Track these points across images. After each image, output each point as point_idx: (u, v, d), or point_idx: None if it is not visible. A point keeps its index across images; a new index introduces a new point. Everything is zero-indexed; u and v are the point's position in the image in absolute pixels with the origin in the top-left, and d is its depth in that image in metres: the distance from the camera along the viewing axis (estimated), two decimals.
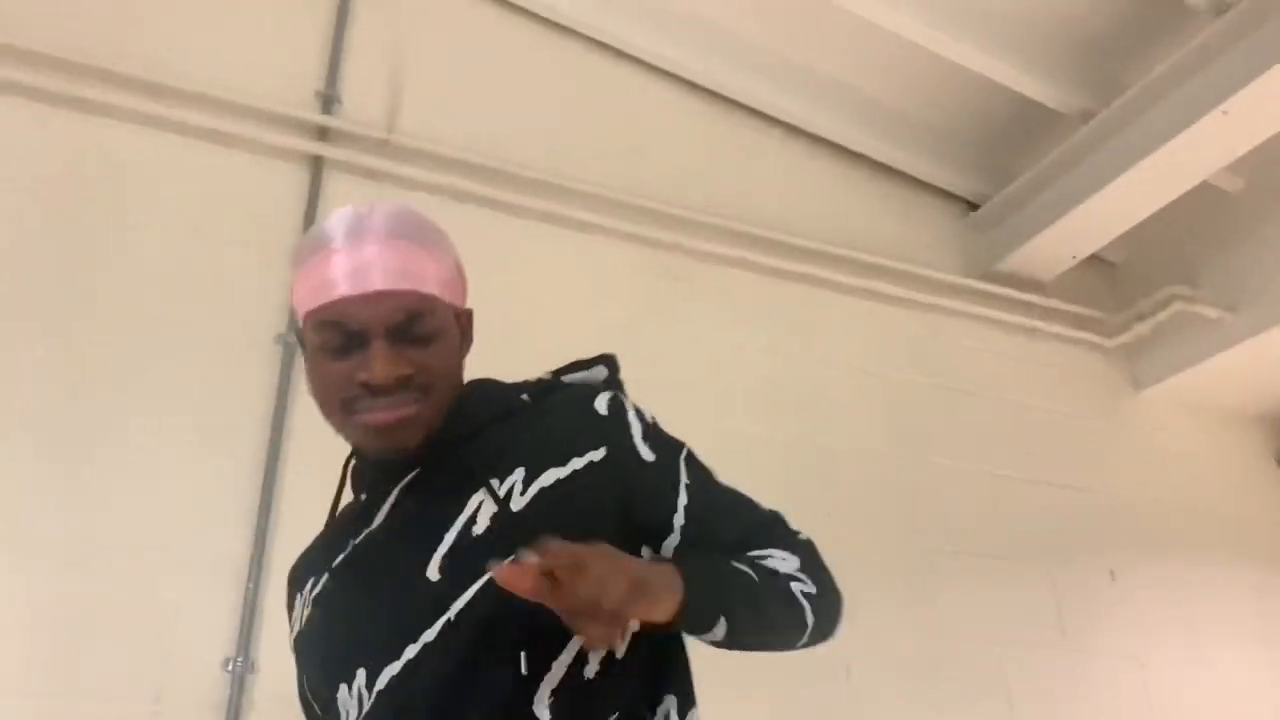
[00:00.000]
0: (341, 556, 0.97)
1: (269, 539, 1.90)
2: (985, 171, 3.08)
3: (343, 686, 0.91)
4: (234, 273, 2.09)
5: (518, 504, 0.90)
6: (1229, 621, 2.91)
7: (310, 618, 0.97)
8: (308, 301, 0.93)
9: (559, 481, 0.92)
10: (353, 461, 1.02)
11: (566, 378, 1.06)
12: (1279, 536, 3.11)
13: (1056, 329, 3.01)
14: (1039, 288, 3.05)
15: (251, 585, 1.85)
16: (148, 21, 2.21)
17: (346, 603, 0.95)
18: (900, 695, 2.34)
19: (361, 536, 0.97)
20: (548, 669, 0.86)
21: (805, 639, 0.95)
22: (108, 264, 2.00)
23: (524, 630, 0.85)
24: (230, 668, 1.80)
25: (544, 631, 0.82)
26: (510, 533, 0.86)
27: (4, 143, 2.01)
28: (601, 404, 0.98)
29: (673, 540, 0.94)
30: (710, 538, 0.95)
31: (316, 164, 2.23)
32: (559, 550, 0.74)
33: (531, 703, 0.85)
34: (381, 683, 0.88)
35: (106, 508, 1.83)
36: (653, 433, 0.99)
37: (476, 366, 1.05)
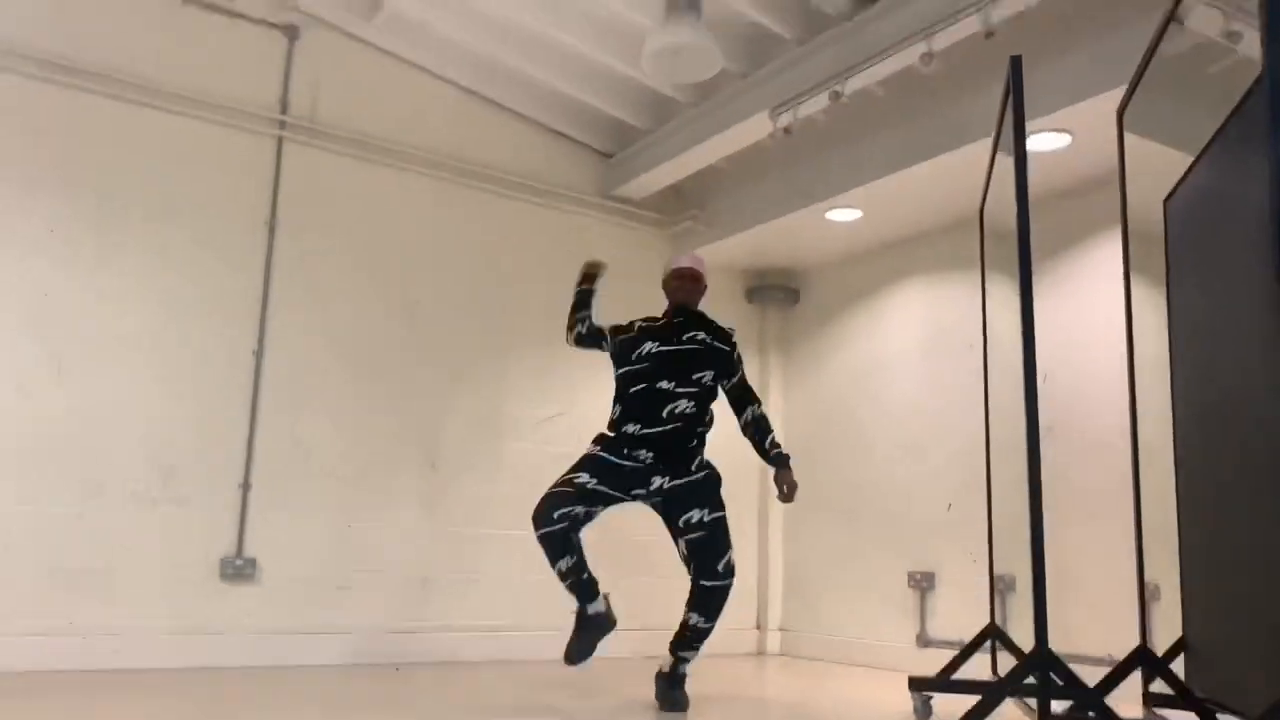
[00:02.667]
0: (658, 347, 3.78)
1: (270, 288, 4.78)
2: (617, 138, 5.99)
3: (663, 382, 3.72)
4: (236, 166, 4.83)
5: (708, 339, 3.82)
6: None
7: (646, 354, 3.77)
8: (673, 265, 3.98)
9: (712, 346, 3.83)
10: (669, 315, 3.89)
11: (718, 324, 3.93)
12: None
13: (641, 226, 6.08)
14: (636, 203, 6.07)
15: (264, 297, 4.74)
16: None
17: (660, 363, 3.76)
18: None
19: (665, 346, 3.79)
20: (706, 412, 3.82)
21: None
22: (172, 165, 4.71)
23: (703, 401, 3.79)
24: (254, 351, 4.72)
25: (705, 402, 3.81)
26: (708, 347, 3.83)
27: (74, 128, 4.62)
28: (726, 334, 3.90)
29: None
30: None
31: (280, 142, 4.94)
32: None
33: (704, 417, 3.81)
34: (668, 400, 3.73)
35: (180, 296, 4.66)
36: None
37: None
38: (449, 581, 5.17)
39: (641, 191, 5.99)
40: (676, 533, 3.73)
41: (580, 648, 3.65)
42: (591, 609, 3.63)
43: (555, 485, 3.63)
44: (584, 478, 3.64)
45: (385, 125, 5.28)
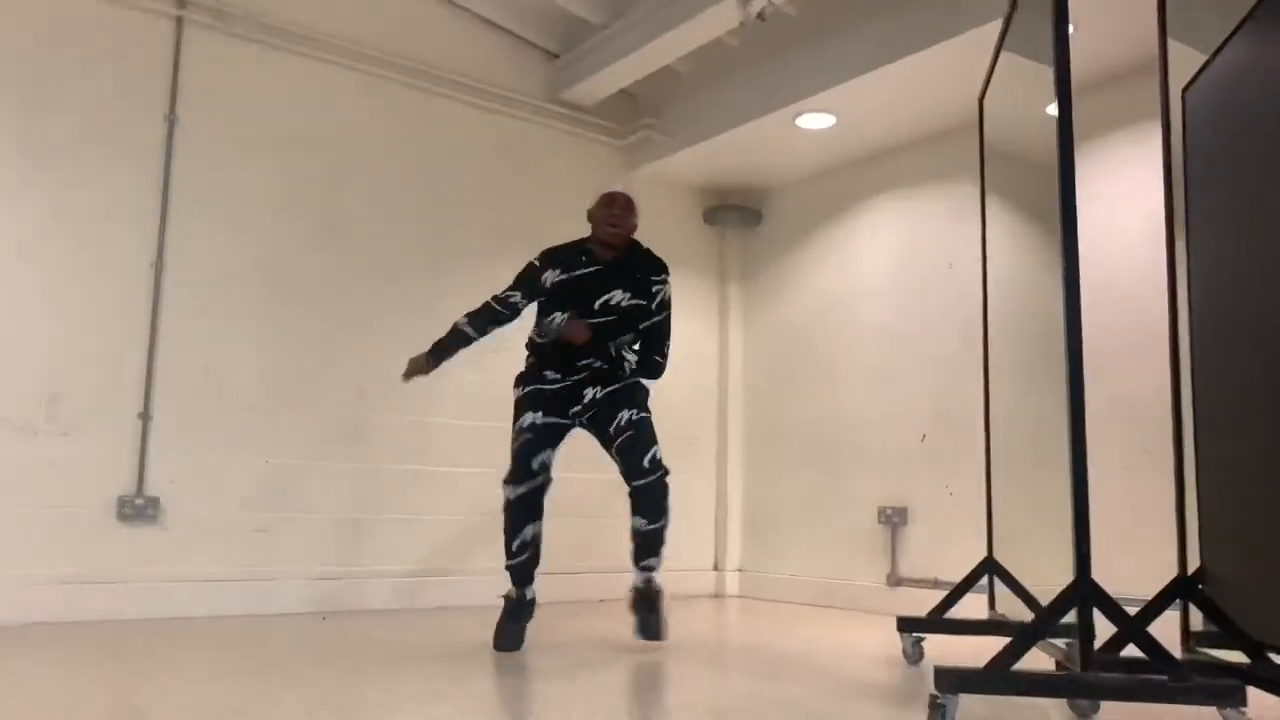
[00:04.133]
0: (575, 274, 3.63)
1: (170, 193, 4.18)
2: (565, 37, 5.42)
3: (565, 314, 3.56)
4: (136, 65, 4.19)
5: (625, 301, 3.61)
6: None
7: (561, 284, 3.62)
8: (604, 192, 3.74)
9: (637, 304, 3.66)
10: (590, 248, 3.68)
11: (649, 260, 3.75)
12: (697, 254, 5.98)
13: (591, 134, 5.54)
14: (586, 109, 5.53)
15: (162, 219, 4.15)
16: None
17: (578, 289, 3.60)
18: None
19: (582, 274, 3.62)
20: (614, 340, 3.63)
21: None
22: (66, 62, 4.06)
23: (614, 333, 3.60)
24: (152, 263, 4.13)
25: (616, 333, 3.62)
26: (624, 313, 3.62)
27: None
28: (653, 276, 3.71)
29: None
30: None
31: (179, 23, 4.30)
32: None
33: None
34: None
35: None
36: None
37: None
38: (382, 523, 4.69)
39: (592, 96, 5.46)
40: (609, 441, 3.63)
41: (514, 633, 3.55)
42: (529, 593, 3.62)
43: (515, 440, 3.59)
44: (531, 418, 3.60)
45: (302, 11, 4.65)
